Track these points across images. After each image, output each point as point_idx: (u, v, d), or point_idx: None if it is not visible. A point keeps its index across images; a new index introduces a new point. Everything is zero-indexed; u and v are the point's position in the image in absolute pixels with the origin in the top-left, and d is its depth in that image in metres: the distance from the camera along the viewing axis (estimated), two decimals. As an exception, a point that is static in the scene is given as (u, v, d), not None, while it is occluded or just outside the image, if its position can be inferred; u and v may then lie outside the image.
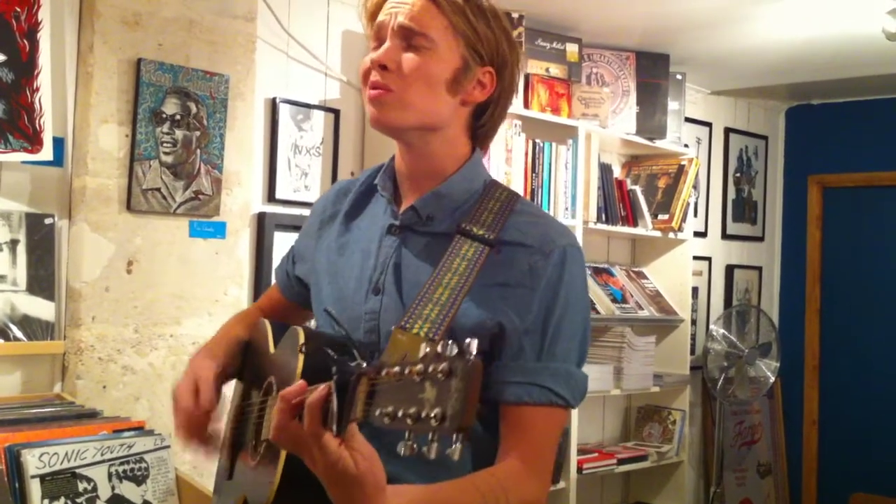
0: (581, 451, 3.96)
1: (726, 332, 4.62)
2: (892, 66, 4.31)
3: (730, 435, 4.93)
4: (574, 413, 3.80)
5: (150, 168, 2.69)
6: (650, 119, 4.17)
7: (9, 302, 2.48)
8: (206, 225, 2.83)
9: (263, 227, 3.11)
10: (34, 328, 2.51)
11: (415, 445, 0.92)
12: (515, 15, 3.57)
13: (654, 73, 4.17)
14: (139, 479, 2.05)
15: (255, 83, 2.97)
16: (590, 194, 3.87)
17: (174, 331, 2.76)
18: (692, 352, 4.60)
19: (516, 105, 3.65)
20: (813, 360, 5.31)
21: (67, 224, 2.63)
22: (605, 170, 4.02)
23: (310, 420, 1.07)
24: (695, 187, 4.38)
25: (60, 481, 1.93)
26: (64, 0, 2.61)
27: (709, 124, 4.97)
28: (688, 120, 4.60)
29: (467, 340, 0.91)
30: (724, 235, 5.11)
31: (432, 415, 0.88)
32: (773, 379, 4.68)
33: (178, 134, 2.75)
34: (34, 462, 1.90)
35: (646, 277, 4.45)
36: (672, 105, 4.26)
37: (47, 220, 2.58)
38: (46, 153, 2.52)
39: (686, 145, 4.45)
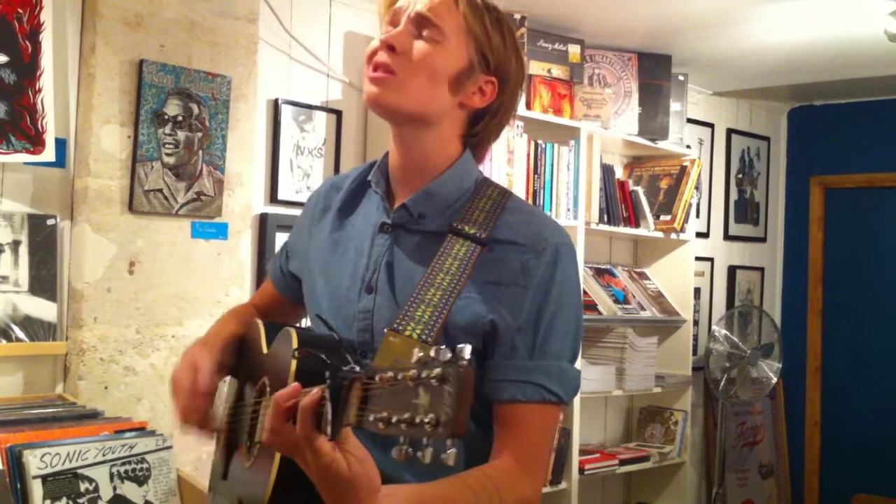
0: (583, 452, 3.96)
1: (728, 333, 4.61)
2: (895, 66, 4.31)
3: (732, 436, 4.93)
4: (576, 414, 3.81)
5: (152, 169, 2.69)
6: (652, 120, 4.17)
7: (11, 303, 2.49)
8: (207, 226, 2.84)
9: (265, 228, 3.11)
10: (36, 329, 2.52)
11: (409, 450, 0.92)
12: (518, 16, 3.57)
13: (656, 74, 4.17)
14: (141, 480, 2.06)
15: (257, 84, 2.97)
16: (592, 195, 3.87)
17: (176, 332, 2.76)
18: (694, 352, 4.60)
19: (518, 106, 3.64)
20: (815, 360, 5.31)
21: (69, 225, 2.64)
22: (607, 171, 4.02)
23: (302, 424, 1.07)
24: (697, 188, 4.38)
25: (62, 482, 1.93)
26: (66, 1, 2.62)
27: (711, 125, 4.97)
28: (690, 121, 4.60)
29: (459, 346, 0.91)
30: (727, 236, 5.10)
31: (426, 420, 0.88)
32: (775, 380, 4.68)
33: (180, 135, 2.75)
34: (36, 462, 1.91)
35: (648, 278, 4.45)
36: (674, 106, 4.26)
37: (49, 221, 2.58)
38: (49, 154, 2.52)
39: (688, 146, 4.45)
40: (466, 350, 0.91)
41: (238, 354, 1.62)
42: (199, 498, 2.09)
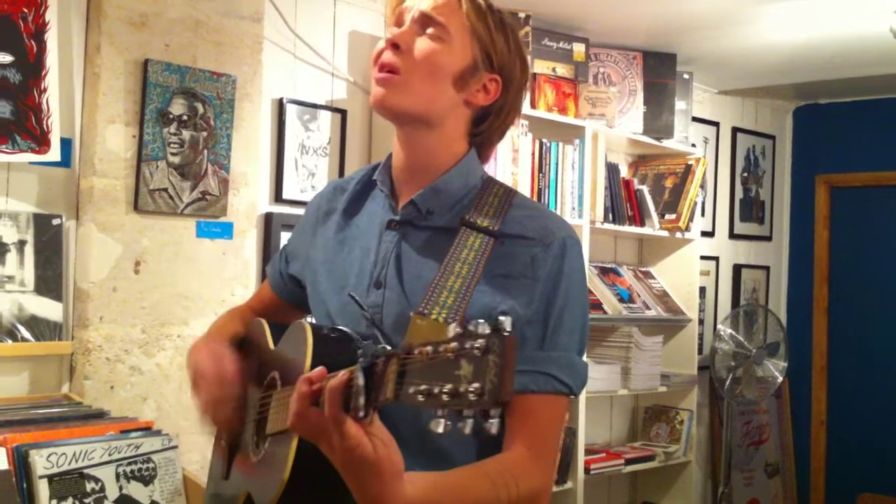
0: (588, 452, 3.95)
1: (734, 332, 4.60)
2: (900, 64, 4.31)
3: (737, 435, 4.92)
4: (581, 413, 3.80)
5: (158, 168, 2.69)
6: (657, 119, 4.17)
7: (17, 302, 2.49)
8: (213, 225, 2.84)
9: (270, 228, 3.11)
10: (42, 329, 2.52)
11: (449, 423, 0.93)
12: (522, 15, 3.57)
13: (661, 73, 4.17)
14: (147, 480, 2.06)
15: (261, 84, 2.97)
16: (597, 194, 3.87)
17: (181, 331, 2.76)
18: (700, 352, 4.59)
19: (523, 105, 3.64)
20: (821, 359, 5.30)
21: (75, 225, 2.64)
22: (611, 169, 4.01)
23: (331, 405, 1.06)
24: (702, 187, 4.37)
25: (68, 481, 1.93)
26: (71, 1, 2.62)
27: (716, 124, 4.96)
28: (695, 119, 4.59)
29: (501, 318, 0.92)
30: (732, 235, 5.10)
31: (471, 389, 0.88)
32: (780, 379, 4.67)
33: (185, 134, 2.75)
34: (42, 462, 1.91)
35: (653, 277, 4.44)
36: (679, 105, 4.25)
37: (55, 221, 2.58)
38: (54, 154, 2.53)
39: (693, 145, 4.44)
40: (508, 322, 0.91)
41: (239, 353, 1.61)
42: (205, 497, 2.09)
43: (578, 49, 3.90)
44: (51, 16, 2.52)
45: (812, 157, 5.38)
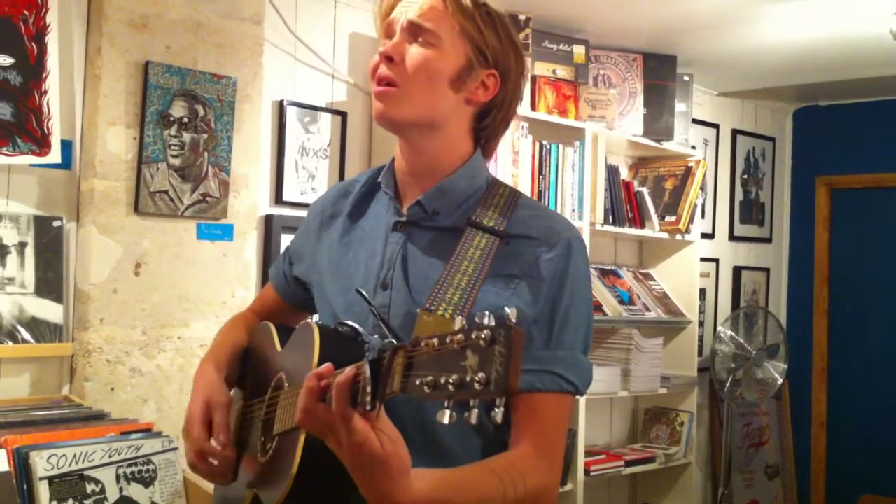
0: (588, 453, 3.96)
1: (734, 334, 4.61)
2: (900, 66, 4.31)
3: (737, 437, 4.92)
4: (581, 415, 3.80)
5: (158, 170, 2.70)
6: (657, 121, 4.17)
7: (17, 304, 2.49)
8: (213, 227, 2.84)
9: (271, 229, 3.11)
10: (42, 330, 2.52)
11: (454, 414, 0.93)
12: (522, 17, 3.57)
13: (661, 75, 4.17)
14: (147, 481, 2.06)
15: (262, 86, 2.97)
16: (597, 196, 3.87)
17: (182, 333, 2.77)
18: (700, 353, 4.59)
19: (523, 107, 3.65)
20: (821, 361, 5.30)
21: (75, 226, 2.64)
22: (612, 171, 4.01)
23: (338, 400, 1.07)
24: (702, 189, 4.37)
25: (68, 483, 1.93)
26: (72, 3, 2.62)
27: (716, 126, 4.97)
28: (695, 121, 4.59)
29: (506, 309, 0.93)
30: (732, 237, 5.10)
31: (476, 379, 0.89)
32: (780, 380, 4.67)
33: (186, 136, 2.75)
34: (42, 464, 1.91)
35: (653, 279, 4.44)
36: (679, 106, 4.25)
37: (55, 223, 2.58)
38: (54, 156, 2.53)
39: (693, 147, 4.44)
40: (513, 313, 0.92)
41: (243, 363, 1.62)
42: (206, 499, 2.09)
43: (578, 51, 3.91)
44: (51, 18, 2.53)
45: (812, 159, 5.38)
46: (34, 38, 2.50)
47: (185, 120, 2.75)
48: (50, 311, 2.54)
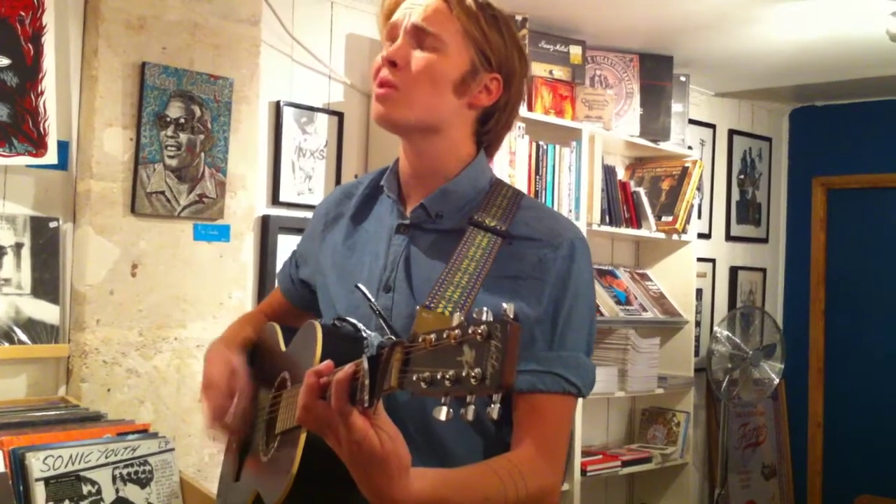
0: (585, 453, 3.96)
1: (730, 334, 4.61)
2: (896, 67, 4.31)
3: (734, 437, 4.93)
4: (578, 415, 3.81)
5: (155, 171, 2.70)
6: (654, 121, 4.17)
7: (14, 305, 2.49)
8: (210, 228, 2.84)
9: (267, 230, 3.11)
10: (39, 331, 2.52)
11: (451, 410, 0.93)
12: (519, 17, 3.57)
13: (657, 75, 4.17)
14: (143, 482, 2.06)
15: (259, 86, 2.97)
16: (593, 196, 3.87)
17: (178, 334, 2.77)
18: (696, 354, 4.59)
19: (520, 107, 3.64)
20: (817, 361, 5.30)
21: (72, 227, 2.64)
22: (608, 172, 4.02)
23: (337, 397, 1.07)
24: (699, 189, 4.37)
25: (65, 484, 1.94)
26: (68, 4, 2.62)
27: (713, 126, 4.97)
28: (692, 122, 4.60)
29: (504, 305, 0.92)
30: (728, 237, 5.10)
31: (472, 374, 0.89)
32: (777, 381, 4.67)
33: (183, 137, 2.75)
34: (38, 465, 1.91)
35: (650, 279, 4.45)
36: (676, 107, 4.25)
37: (52, 224, 2.58)
38: (51, 157, 2.53)
39: (690, 147, 4.45)
40: (511, 309, 0.92)
41: (250, 360, 1.62)
42: (202, 500, 2.09)
43: (575, 52, 3.91)
44: (48, 19, 2.53)
45: (809, 160, 5.39)
46: (30, 39, 2.50)
47: (182, 121, 2.75)
48: (46, 312, 2.54)
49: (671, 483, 4.43)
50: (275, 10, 3.13)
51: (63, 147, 2.59)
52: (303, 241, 1.71)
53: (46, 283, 2.55)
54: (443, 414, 0.94)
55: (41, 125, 2.51)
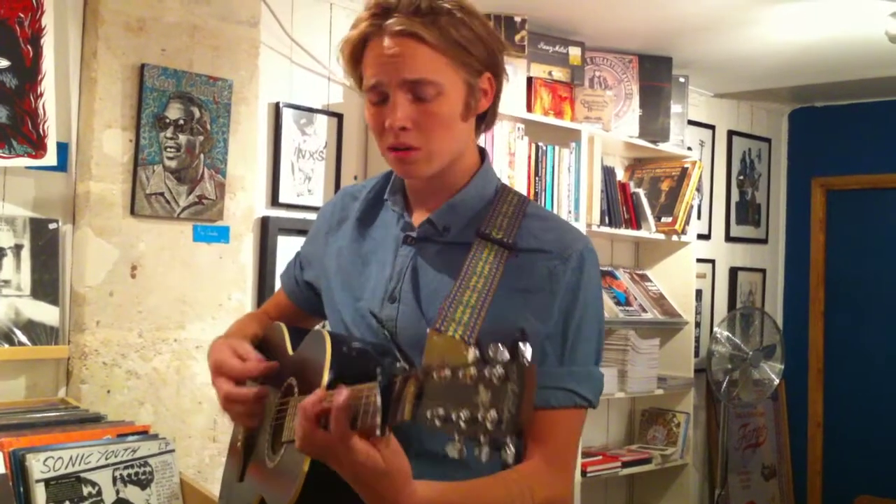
0: (585, 454, 3.96)
1: (730, 335, 4.61)
2: (895, 68, 4.31)
3: (734, 437, 4.93)
4: (578, 416, 3.80)
5: (154, 173, 2.70)
6: (653, 122, 4.18)
7: (13, 307, 2.49)
8: (209, 229, 2.84)
9: (267, 232, 3.11)
10: (38, 333, 2.52)
11: (464, 449, 0.93)
12: (518, 19, 3.58)
13: (656, 76, 4.17)
14: (143, 483, 2.06)
15: (258, 88, 2.97)
16: (593, 197, 3.87)
17: (178, 335, 2.77)
18: (696, 354, 4.59)
19: (519, 108, 3.66)
20: (817, 362, 5.30)
21: (71, 229, 2.64)
22: (608, 173, 4.02)
23: (337, 423, 1.09)
24: (698, 190, 4.37)
25: (65, 485, 1.93)
26: (68, 5, 2.62)
27: (712, 127, 4.97)
28: (691, 123, 4.60)
29: (521, 346, 0.92)
30: (728, 238, 5.10)
31: (488, 417, 0.89)
32: (777, 381, 4.67)
33: (182, 139, 2.75)
34: (39, 466, 1.91)
35: (649, 280, 4.45)
36: (675, 108, 4.25)
37: (51, 225, 2.58)
38: (50, 158, 2.53)
39: (689, 148, 4.45)
40: (528, 350, 0.92)
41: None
42: (202, 501, 2.09)
43: (574, 53, 3.91)
44: (47, 20, 2.53)
45: (808, 160, 5.39)
46: (30, 41, 2.50)
47: (181, 122, 2.75)
48: (46, 313, 2.54)
49: (671, 484, 4.43)
50: (274, 11, 3.13)
51: (62, 148, 2.59)
52: (307, 244, 1.70)
53: (46, 285, 2.55)
54: (455, 452, 0.94)
55: (40, 127, 2.51)
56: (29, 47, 2.50)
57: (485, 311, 1.31)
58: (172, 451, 2.13)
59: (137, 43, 2.68)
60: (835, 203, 5.34)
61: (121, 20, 2.64)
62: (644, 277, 4.44)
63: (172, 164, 2.73)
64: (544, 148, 3.74)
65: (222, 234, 2.87)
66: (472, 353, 0.95)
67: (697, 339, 4.69)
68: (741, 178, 5.17)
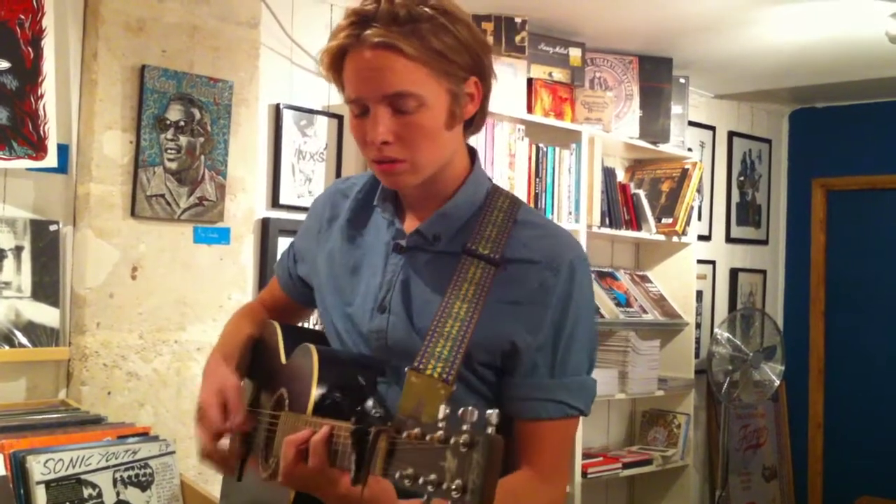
0: (586, 456, 3.96)
1: (731, 336, 4.61)
2: (895, 68, 4.31)
3: (735, 439, 4.92)
4: (578, 417, 3.80)
5: (155, 174, 2.69)
6: (653, 123, 4.17)
7: (14, 308, 2.49)
8: (210, 231, 2.84)
9: (267, 233, 3.11)
10: (39, 334, 2.52)
11: None
12: (518, 20, 3.58)
13: (657, 77, 4.17)
14: (144, 485, 2.06)
15: (258, 89, 2.97)
16: (593, 199, 3.87)
17: (178, 336, 2.76)
18: (697, 355, 4.59)
19: (520, 110, 3.66)
20: (818, 363, 5.30)
21: (72, 230, 2.64)
22: (608, 174, 4.02)
23: (314, 458, 1.15)
24: (698, 191, 4.37)
25: (65, 487, 1.93)
26: (68, 7, 2.62)
27: (712, 128, 4.97)
28: (691, 124, 4.60)
29: (488, 412, 0.92)
30: (728, 239, 5.10)
31: (453, 486, 0.90)
32: (777, 382, 4.67)
33: (182, 140, 2.75)
34: (39, 468, 1.91)
35: (650, 281, 4.45)
36: (675, 109, 4.25)
37: (52, 227, 2.58)
38: (51, 160, 2.53)
39: (690, 149, 4.45)
40: (494, 415, 0.92)
41: (253, 356, 1.62)
42: (203, 503, 2.09)
43: (574, 54, 3.91)
44: (48, 22, 2.53)
45: (808, 161, 5.39)
46: (30, 42, 2.50)
47: (182, 123, 2.75)
48: (46, 315, 2.54)
49: (672, 485, 4.43)
50: (274, 12, 3.13)
51: (63, 150, 2.59)
52: (300, 238, 1.67)
53: (46, 287, 2.55)
54: None
55: (41, 128, 2.51)
56: (29, 49, 2.50)
57: (466, 343, 1.30)
58: (173, 452, 2.13)
59: (138, 44, 2.67)
60: (835, 204, 5.34)
61: (121, 21, 2.64)
62: (644, 278, 4.44)
63: (173, 165, 2.73)
64: (545, 149, 3.74)
65: (223, 236, 2.87)
66: (442, 411, 0.96)
67: (698, 341, 4.68)
68: (741, 178, 5.17)
